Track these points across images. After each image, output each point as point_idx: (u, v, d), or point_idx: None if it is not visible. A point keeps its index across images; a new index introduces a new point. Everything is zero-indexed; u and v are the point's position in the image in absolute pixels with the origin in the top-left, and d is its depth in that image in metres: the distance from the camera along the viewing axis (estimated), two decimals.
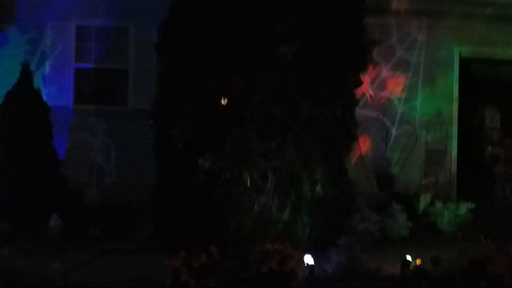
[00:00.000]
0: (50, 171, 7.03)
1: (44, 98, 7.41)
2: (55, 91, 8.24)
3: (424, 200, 6.98)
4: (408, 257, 4.79)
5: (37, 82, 7.69)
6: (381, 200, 7.02)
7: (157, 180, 6.44)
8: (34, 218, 6.40)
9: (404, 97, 8.21)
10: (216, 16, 5.85)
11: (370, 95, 8.08)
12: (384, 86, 8.19)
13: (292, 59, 5.88)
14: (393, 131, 8.16)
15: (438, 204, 6.94)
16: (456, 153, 8.17)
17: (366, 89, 7.85)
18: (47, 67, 8.35)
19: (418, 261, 4.73)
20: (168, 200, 6.18)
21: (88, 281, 4.75)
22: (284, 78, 5.86)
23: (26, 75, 7.29)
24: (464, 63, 8.35)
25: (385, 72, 8.17)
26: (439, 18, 8.20)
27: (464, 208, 6.86)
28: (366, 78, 7.28)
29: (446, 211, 6.82)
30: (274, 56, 5.86)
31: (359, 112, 6.78)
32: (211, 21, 5.84)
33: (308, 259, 4.67)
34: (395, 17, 8.15)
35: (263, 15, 5.88)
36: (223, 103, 5.88)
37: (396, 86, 8.20)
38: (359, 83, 6.33)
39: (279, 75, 5.86)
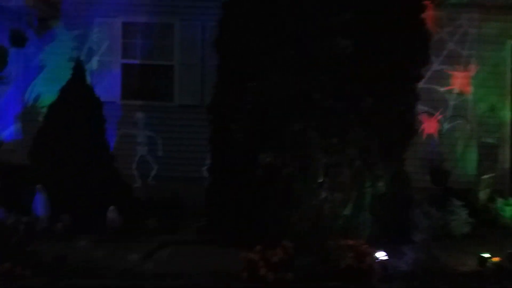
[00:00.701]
0: (104, 164, 7.09)
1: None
2: (103, 86, 8.30)
3: (483, 196, 6.89)
4: (485, 254, 4.71)
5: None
6: (436, 195, 6.93)
7: (212, 174, 6.48)
8: (92, 210, 6.48)
9: (456, 90, 8.10)
10: (275, 12, 5.83)
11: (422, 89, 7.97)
12: (436, 80, 8.07)
13: (353, 54, 5.82)
14: (446, 126, 8.06)
15: (500, 200, 6.85)
16: (509, 148, 8.05)
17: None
18: (94, 63, 8.42)
19: (495, 258, 4.65)
20: (224, 194, 6.20)
21: (163, 272, 4.78)
22: (345, 72, 5.81)
23: (79, 71, 7.35)
24: None
25: (436, 66, 8.06)
26: (491, 11, 8.06)
27: None
28: None
29: (508, 206, 6.73)
30: (333, 51, 5.81)
31: None
32: (271, 17, 5.82)
33: (381, 255, 4.64)
34: (446, 9, 8.03)
35: (322, 8, 5.84)
36: (282, 98, 5.86)
37: (447, 80, 8.09)
38: (420, 77, 6.26)
39: (339, 70, 5.82)
